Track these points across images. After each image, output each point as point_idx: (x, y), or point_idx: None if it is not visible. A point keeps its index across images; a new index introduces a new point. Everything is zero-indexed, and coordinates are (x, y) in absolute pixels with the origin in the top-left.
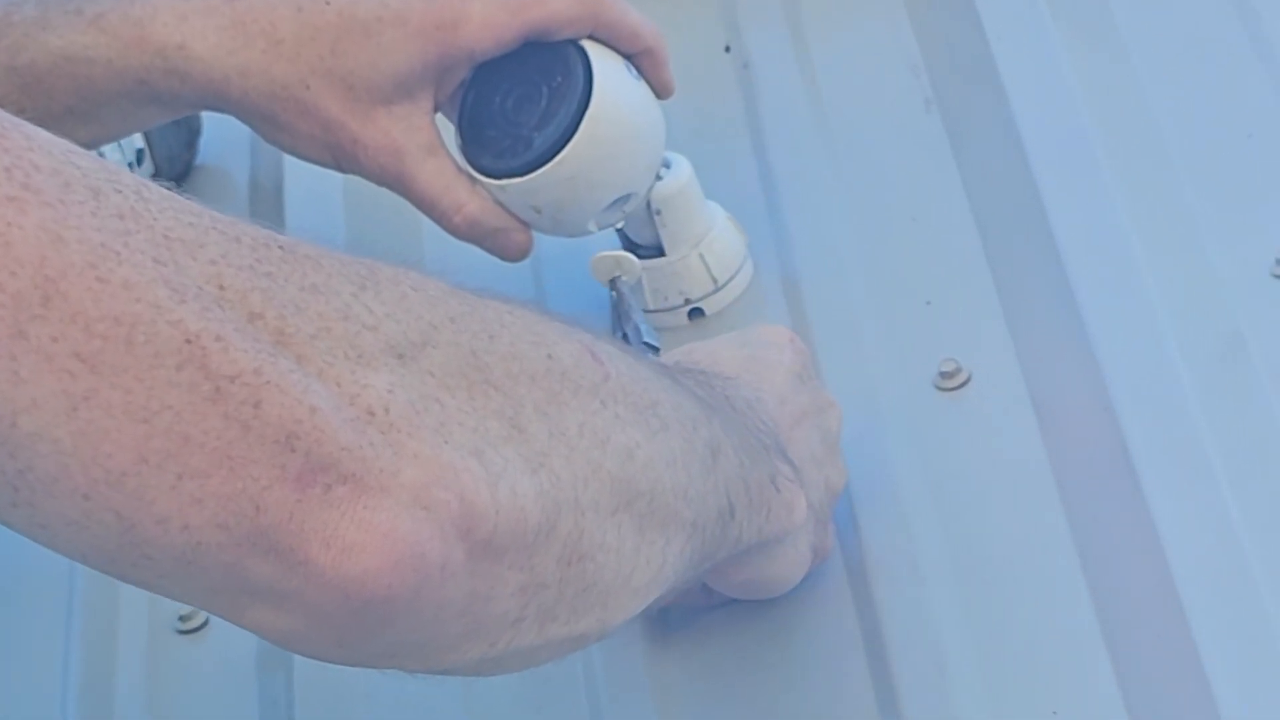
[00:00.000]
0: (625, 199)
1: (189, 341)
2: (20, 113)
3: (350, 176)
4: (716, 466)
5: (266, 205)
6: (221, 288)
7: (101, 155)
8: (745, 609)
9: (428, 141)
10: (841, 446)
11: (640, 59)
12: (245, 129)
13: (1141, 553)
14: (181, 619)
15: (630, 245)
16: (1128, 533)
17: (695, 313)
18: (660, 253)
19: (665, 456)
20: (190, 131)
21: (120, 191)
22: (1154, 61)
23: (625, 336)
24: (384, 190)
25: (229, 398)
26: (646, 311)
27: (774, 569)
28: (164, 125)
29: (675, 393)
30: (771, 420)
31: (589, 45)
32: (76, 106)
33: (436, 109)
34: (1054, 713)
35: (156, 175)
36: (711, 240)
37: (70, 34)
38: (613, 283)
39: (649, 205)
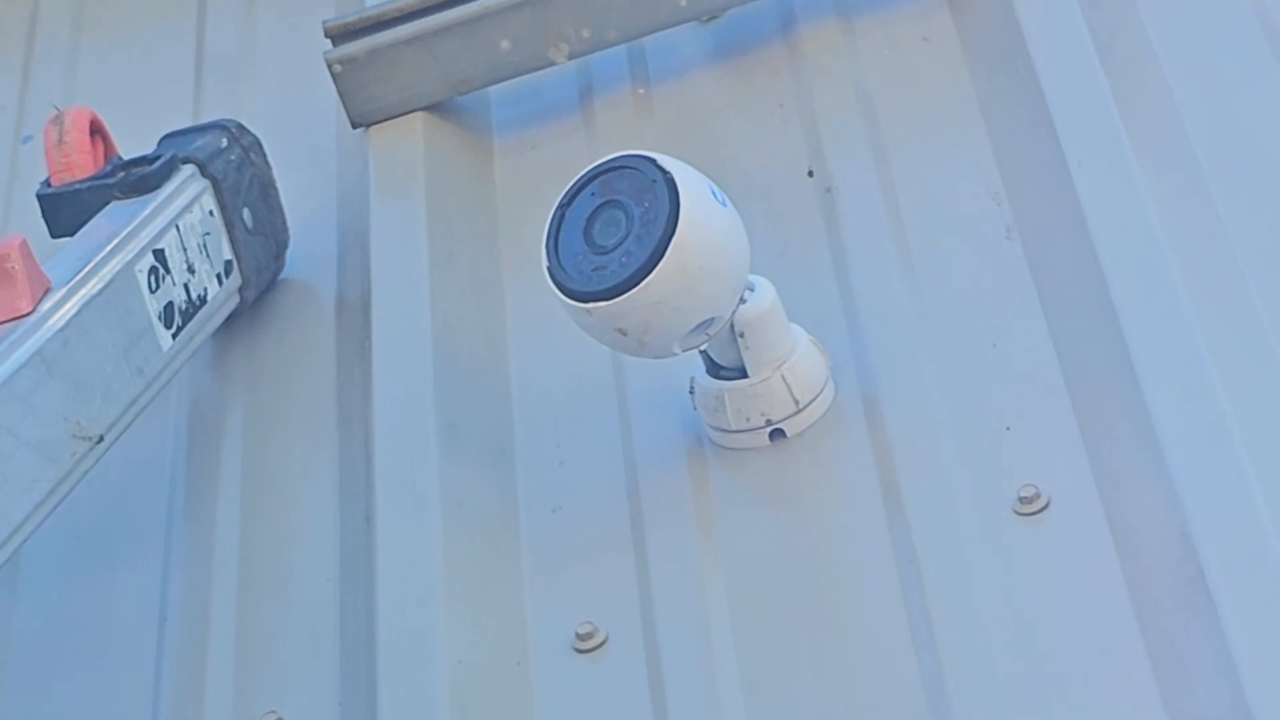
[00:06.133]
0: (709, 322)
1: None
2: None
3: (436, 290)
4: None
5: (353, 319)
6: None
7: (192, 267)
8: None
9: None
10: (921, 569)
11: None
12: (333, 243)
13: (1218, 678)
14: None
15: (714, 366)
16: (1204, 658)
17: (777, 434)
18: (743, 374)
19: None
20: (278, 244)
21: None
22: (1233, 190)
23: None
24: (470, 302)
25: None
26: (728, 431)
27: None
28: (252, 238)
29: None
30: None
31: (675, 169)
32: None
33: None
34: None
35: (244, 287)
36: (794, 362)
37: None
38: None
39: (733, 328)
